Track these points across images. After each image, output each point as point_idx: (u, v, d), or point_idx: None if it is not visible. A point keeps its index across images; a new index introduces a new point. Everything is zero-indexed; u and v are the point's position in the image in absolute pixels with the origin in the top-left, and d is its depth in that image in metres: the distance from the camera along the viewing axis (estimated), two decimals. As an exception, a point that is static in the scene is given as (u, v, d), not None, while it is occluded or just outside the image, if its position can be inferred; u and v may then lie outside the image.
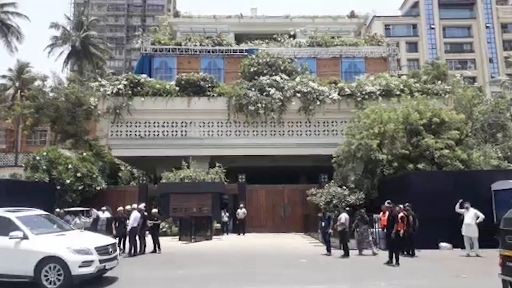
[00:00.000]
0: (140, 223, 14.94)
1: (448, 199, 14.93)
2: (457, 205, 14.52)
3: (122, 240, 15.16)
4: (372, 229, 15.34)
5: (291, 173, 26.85)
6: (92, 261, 9.18)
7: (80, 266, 8.99)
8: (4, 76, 42.61)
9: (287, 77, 24.79)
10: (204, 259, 13.67)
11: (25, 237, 9.18)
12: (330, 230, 14.81)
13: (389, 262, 12.38)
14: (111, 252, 9.79)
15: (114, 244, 10.24)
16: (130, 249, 14.60)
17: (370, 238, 14.61)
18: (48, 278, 8.89)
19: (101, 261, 9.35)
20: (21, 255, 9.07)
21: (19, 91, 38.74)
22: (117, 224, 15.14)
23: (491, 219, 14.87)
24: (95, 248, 9.40)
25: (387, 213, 13.71)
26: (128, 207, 16.13)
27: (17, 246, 9.11)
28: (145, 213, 15.60)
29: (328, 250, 14.58)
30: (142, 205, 16.67)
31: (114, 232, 15.13)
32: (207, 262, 13.08)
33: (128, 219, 15.17)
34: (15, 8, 40.10)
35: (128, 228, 14.65)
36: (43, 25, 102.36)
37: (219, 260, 13.46)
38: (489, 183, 15.60)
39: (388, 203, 13.78)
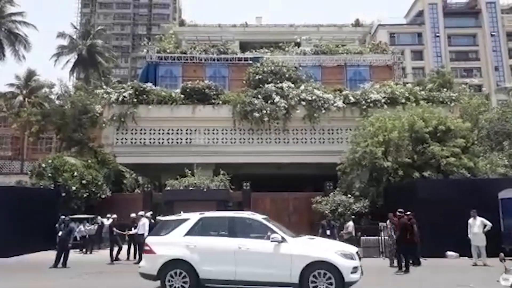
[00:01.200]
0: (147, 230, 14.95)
1: (454, 208, 14.80)
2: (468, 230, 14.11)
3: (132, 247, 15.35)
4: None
5: (296, 180, 26.74)
6: (357, 267, 8.36)
7: (352, 273, 8.16)
8: (12, 85, 43.05)
9: (292, 85, 24.84)
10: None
11: (283, 240, 8.39)
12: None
13: (405, 270, 12.31)
14: (361, 258, 9.03)
15: None
16: (140, 256, 14.60)
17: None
18: (317, 285, 8.03)
19: (360, 267, 8.57)
20: (284, 259, 8.20)
21: (26, 99, 39.08)
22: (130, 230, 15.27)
23: (498, 227, 14.74)
24: (356, 253, 8.69)
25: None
26: (133, 215, 16.15)
27: (277, 250, 8.29)
28: (152, 221, 15.64)
29: None
30: (149, 213, 16.66)
31: (127, 238, 15.32)
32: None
33: (134, 227, 15.23)
34: (22, 17, 40.65)
35: (145, 234, 14.56)
36: (50, 33, 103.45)
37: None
38: (496, 192, 15.46)
39: (399, 211, 13.65)
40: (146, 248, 9.14)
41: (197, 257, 8.48)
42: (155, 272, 8.67)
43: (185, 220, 9.16)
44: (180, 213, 10.24)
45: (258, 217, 9.16)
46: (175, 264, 8.55)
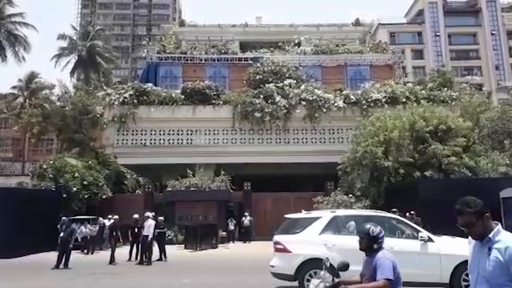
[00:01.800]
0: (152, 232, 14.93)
1: (455, 207, 14.76)
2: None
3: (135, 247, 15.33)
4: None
5: (297, 180, 26.74)
6: None
7: None
8: (14, 87, 43.01)
9: (294, 82, 24.84)
10: (210, 267, 13.59)
11: (430, 239, 8.22)
12: None
13: None
14: None
15: None
16: (142, 257, 14.59)
17: None
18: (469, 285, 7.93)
19: None
20: (433, 259, 8.01)
21: (27, 100, 39.09)
22: (135, 231, 15.26)
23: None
24: None
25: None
26: (136, 215, 16.11)
27: (425, 249, 8.11)
28: (154, 222, 15.63)
29: None
30: (151, 214, 16.63)
31: (131, 239, 15.31)
32: (211, 270, 13.00)
33: (139, 226, 15.21)
34: (22, 18, 40.49)
35: (150, 236, 14.53)
36: (50, 35, 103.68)
37: (223, 269, 13.38)
38: (497, 191, 15.41)
39: (393, 211, 13.65)
40: (279, 246, 8.64)
41: (337, 257, 7.93)
42: (293, 272, 8.27)
43: (317, 218, 8.83)
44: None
45: (397, 216, 9.01)
46: (314, 264, 7.98)
